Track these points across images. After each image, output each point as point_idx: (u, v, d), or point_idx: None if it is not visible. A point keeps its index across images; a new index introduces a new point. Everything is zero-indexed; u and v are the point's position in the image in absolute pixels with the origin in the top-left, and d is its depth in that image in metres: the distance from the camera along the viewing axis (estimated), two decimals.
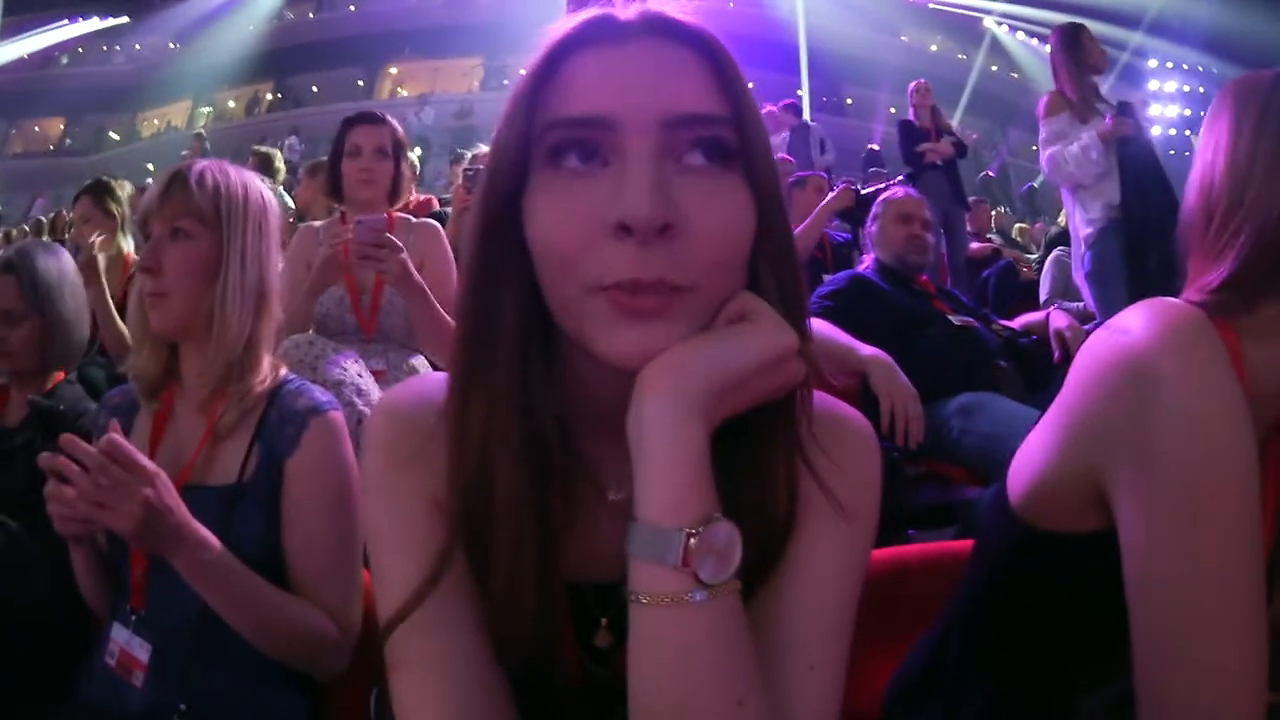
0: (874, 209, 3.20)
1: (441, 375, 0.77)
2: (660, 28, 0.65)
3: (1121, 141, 3.75)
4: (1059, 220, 7.87)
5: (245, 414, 1.30)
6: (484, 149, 4.35)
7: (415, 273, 2.08)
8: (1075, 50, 3.87)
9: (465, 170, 3.82)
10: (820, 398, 0.76)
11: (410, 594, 0.69)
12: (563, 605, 0.73)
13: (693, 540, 0.60)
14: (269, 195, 1.39)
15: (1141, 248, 3.56)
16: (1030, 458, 0.96)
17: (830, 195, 4.51)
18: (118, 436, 1.11)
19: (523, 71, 0.68)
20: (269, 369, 1.34)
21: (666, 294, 0.62)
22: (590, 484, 0.75)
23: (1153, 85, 19.31)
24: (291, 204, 4.85)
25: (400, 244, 2.05)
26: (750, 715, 0.61)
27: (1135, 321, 0.84)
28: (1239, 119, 0.94)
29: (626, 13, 0.66)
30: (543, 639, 0.71)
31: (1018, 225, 9.70)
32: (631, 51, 0.64)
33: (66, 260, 1.99)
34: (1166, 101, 18.62)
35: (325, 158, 4.82)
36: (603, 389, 0.69)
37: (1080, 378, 0.89)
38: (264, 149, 3.70)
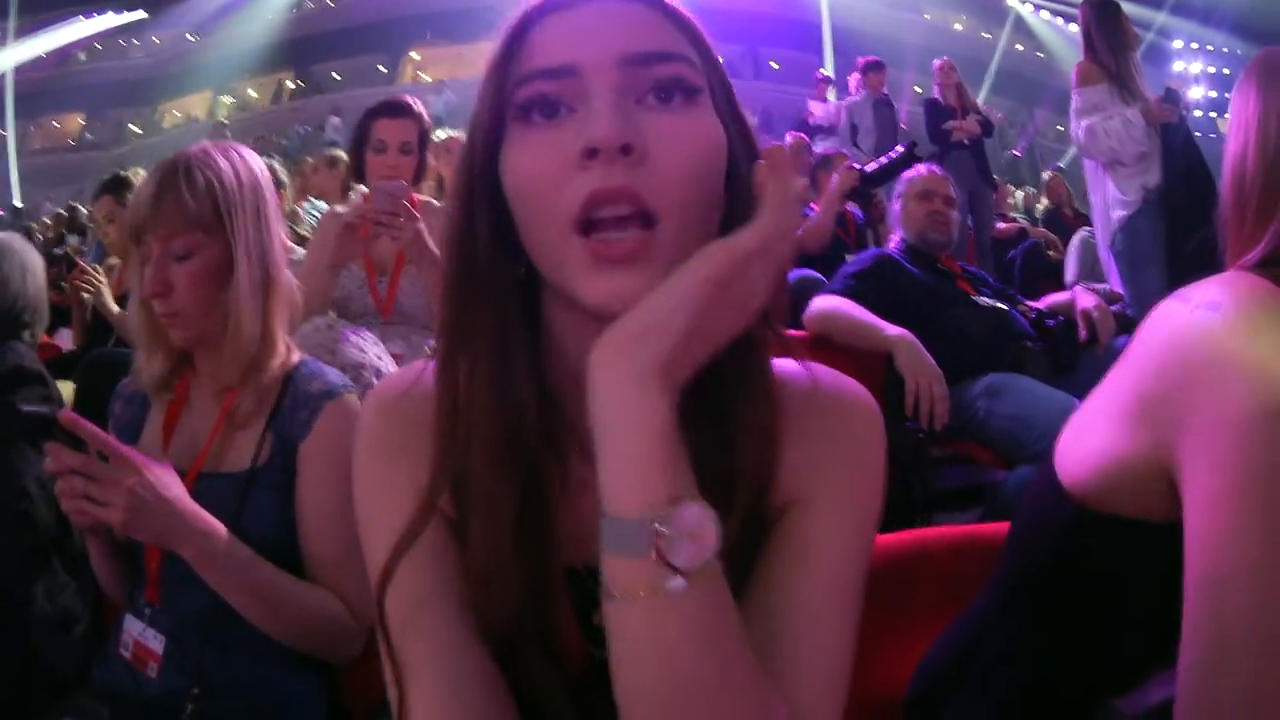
0: (897, 188, 3.16)
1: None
2: None
3: (1165, 126, 3.66)
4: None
5: (260, 400, 1.28)
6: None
7: (430, 241, 2.06)
8: (1112, 23, 3.72)
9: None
10: (818, 368, 0.76)
11: (394, 555, 0.68)
12: (556, 583, 0.71)
13: (660, 526, 0.55)
14: (259, 170, 1.33)
15: (1182, 232, 3.45)
16: (1088, 433, 0.91)
17: (835, 180, 4.40)
18: (98, 431, 1.12)
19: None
20: (284, 350, 1.32)
21: (639, 232, 0.62)
22: (586, 460, 0.72)
23: (1177, 66, 19.11)
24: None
25: (417, 214, 2.03)
26: (745, 703, 0.58)
27: (1222, 297, 0.79)
28: (1267, 97, 0.91)
29: None
30: (533, 616, 0.69)
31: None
32: (587, 11, 0.67)
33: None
34: (1191, 84, 18.43)
35: (338, 150, 4.82)
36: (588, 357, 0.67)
37: (1155, 349, 0.84)
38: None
